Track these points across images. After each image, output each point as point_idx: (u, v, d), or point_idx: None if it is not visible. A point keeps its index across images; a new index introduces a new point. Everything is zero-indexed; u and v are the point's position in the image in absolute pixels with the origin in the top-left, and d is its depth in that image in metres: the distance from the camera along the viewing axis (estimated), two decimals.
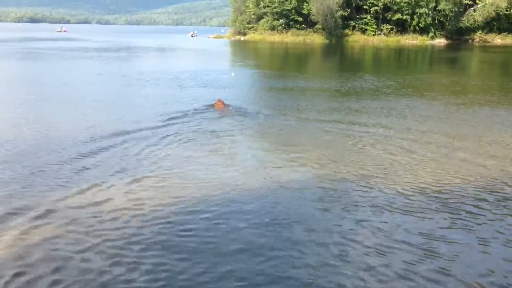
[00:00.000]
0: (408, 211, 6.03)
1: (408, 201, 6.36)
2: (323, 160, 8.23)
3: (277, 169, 7.70)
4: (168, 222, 5.58)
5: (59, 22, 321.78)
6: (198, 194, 6.50)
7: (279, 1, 67.55)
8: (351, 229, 5.46)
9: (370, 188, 6.86)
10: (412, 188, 6.82)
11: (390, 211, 6.02)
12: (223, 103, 13.40)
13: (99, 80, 19.09)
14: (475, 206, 6.21)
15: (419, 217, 5.83)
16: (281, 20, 68.72)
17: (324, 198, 6.46)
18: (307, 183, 7.04)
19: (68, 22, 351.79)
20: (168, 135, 9.69)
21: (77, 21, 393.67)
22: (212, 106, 13.35)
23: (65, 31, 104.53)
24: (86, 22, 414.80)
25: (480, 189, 6.82)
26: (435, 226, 5.56)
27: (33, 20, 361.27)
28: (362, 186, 6.93)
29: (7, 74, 21.03)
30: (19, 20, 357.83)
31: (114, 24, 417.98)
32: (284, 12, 68.40)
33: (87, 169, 7.44)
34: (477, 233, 5.44)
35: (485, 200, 6.43)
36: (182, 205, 6.10)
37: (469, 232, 5.47)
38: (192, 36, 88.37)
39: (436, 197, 6.51)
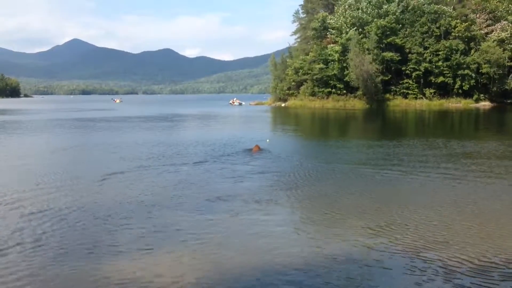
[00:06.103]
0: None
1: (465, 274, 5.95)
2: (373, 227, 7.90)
3: (320, 236, 7.66)
4: None
5: (108, 93, 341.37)
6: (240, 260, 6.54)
7: (319, 68, 68.90)
8: None
9: (420, 258, 6.63)
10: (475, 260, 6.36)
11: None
12: (259, 147, 18.13)
13: (148, 148, 19.51)
14: None
15: None
16: (323, 89, 69.56)
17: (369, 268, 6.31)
18: (350, 251, 6.90)
19: (116, 93, 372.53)
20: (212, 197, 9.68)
21: (125, 92, 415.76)
22: (250, 150, 17.93)
23: (118, 101, 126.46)
24: (133, 92, 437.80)
25: None
26: None
27: (84, 92, 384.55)
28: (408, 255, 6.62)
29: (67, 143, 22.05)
30: (71, 92, 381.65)
31: (159, 93, 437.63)
32: (325, 79, 69.50)
33: (145, 232, 7.34)
34: None
35: None
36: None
37: None
38: (235, 103, 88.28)
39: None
